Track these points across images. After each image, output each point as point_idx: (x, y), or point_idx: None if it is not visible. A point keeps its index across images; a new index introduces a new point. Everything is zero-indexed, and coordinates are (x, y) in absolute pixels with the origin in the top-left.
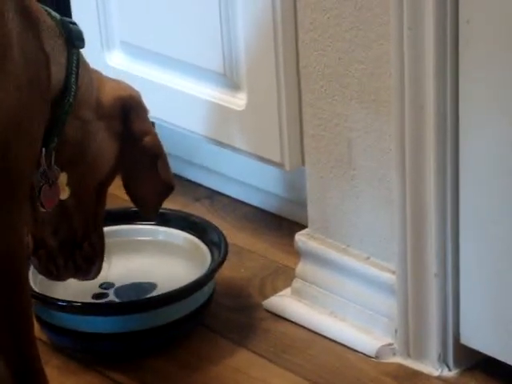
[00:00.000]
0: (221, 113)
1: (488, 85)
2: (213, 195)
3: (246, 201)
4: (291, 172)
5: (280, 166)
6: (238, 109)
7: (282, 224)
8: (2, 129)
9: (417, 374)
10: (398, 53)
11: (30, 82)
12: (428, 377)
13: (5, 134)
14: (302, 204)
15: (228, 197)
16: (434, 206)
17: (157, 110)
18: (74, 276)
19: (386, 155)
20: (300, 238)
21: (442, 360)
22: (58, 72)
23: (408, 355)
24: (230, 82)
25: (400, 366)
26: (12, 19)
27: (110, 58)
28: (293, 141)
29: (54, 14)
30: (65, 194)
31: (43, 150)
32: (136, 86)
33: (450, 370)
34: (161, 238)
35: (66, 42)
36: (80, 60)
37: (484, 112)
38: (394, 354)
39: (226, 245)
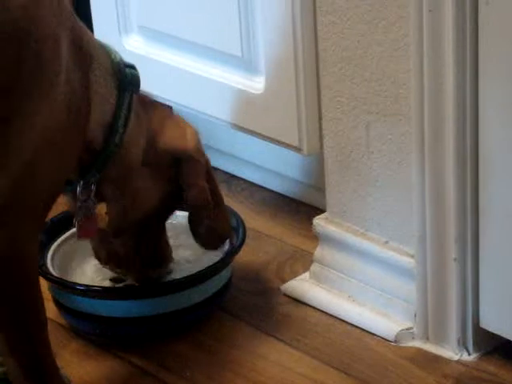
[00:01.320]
0: (239, 96)
1: (508, 66)
2: (231, 180)
3: (264, 185)
4: (309, 156)
5: (298, 150)
6: (256, 92)
7: (300, 208)
8: (34, 149)
9: (436, 358)
10: (418, 35)
11: (69, 111)
12: (447, 361)
13: (35, 155)
14: (320, 188)
15: (246, 181)
16: (454, 190)
17: (174, 94)
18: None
19: (405, 138)
20: (318, 222)
21: (462, 344)
22: (105, 111)
23: (427, 339)
24: (248, 65)
25: (419, 350)
26: (66, 45)
27: (128, 43)
28: (311, 124)
29: (115, 55)
30: (103, 224)
31: (81, 182)
32: (153, 70)
33: (469, 354)
34: (179, 221)
35: (118, 84)
36: (132, 106)
37: (504, 94)
38: (413, 338)
39: (244, 229)
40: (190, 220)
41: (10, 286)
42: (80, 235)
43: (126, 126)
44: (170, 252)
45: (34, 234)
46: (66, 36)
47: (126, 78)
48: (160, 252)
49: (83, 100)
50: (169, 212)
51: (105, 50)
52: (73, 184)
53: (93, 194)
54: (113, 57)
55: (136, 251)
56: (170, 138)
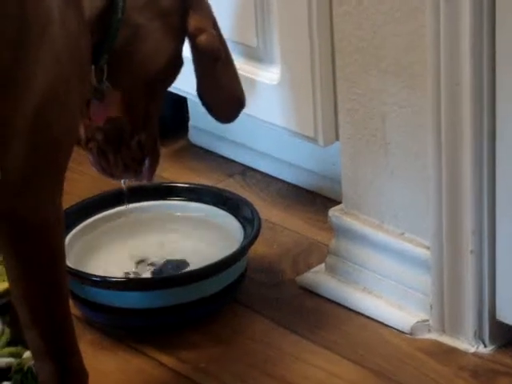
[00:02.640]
0: (254, 87)
1: None
2: (246, 171)
3: (280, 176)
4: (325, 147)
5: (314, 141)
6: (272, 83)
7: (315, 200)
8: (40, 103)
9: (452, 351)
10: (434, 26)
11: (70, 55)
12: (463, 353)
13: (44, 108)
14: (335, 180)
15: (261, 172)
16: (470, 182)
17: (187, 85)
18: (126, 175)
19: (422, 130)
20: (334, 213)
21: (478, 336)
22: None
23: (443, 331)
24: (264, 55)
25: (435, 342)
26: None
27: None
28: (327, 115)
29: None
30: (118, 111)
31: (92, 67)
32: None
33: (485, 346)
34: (193, 213)
35: None
36: None
37: None
38: (429, 331)
39: (259, 220)
40: (200, 87)
41: (36, 254)
42: (93, 119)
43: None
44: (156, 151)
45: (58, 195)
46: None
47: None
48: (143, 143)
49: (82, 38)
50: (173, 75)
51: None
52: None
53: (105, 76)
54: None
55: (123, 145)
56: None
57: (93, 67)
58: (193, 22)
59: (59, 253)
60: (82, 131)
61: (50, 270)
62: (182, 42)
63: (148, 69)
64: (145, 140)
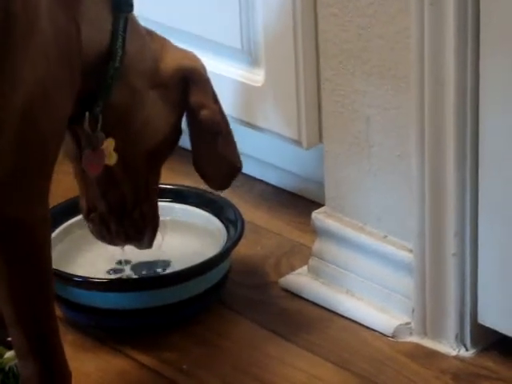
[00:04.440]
0: (238, 89)
1: (510, 60)
2: None
3: (263, 178)
4: (309, 149)
5: (297, 143)
6: (256, 85)
7: (298, 202)
8: (28, 101)
9: (434, 354)
10: (419, 28)
11: (59, 53)
12: (445, 356)
13: (31, 105)
14: (319, 182)
15: (245, 174)
16: (453, 185)
17: None
18: (127, 243)
19: (405, 132)
20: (317, 216)
21: (460, 339)
22: (101, 37)
23: (425, 334)
24: (248, 57)
25: (417, 345)
26: None
27: None
28: (310, 118)
29: None
30: (112, 160)
31: (87, 114)
32: None
33: (467, 349)
34: (177, 215)
35: (112, 8)
36: (130, 25)
37: (505, 88)
38: (411, 333)
39: (243, 222)
40: (196, 158)
41: (22, 251)
42: (87, 169)
43: (123, 47)
44: (156, 220)
45: (44, 194)
46: None
47: (119, 1)
48: (145, 213)
49: (72, 38)
50: (170, 147)
51: None
52: (79, 118)
53: (100, 126)
54: None
55: (124, 213)
56: (175, 58)
57: (87, 114)
58: (194, 98)
59: (45, 252)
60: (83, 202)
61: (36, 269)
62: (182, 115)
63: (148, 140)
64: (146, 210)
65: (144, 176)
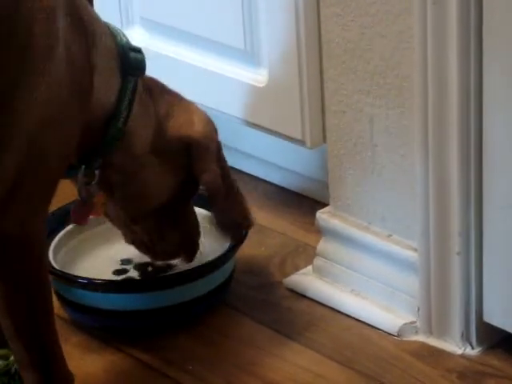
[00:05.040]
0: (241, 89)
1: None
2: (233, 173)
3: (267, 178)
4: (312, 149)
5: (301, 143)
6: (259, 85)
7: (303, 202)
8: (38, 122)
9: (439, 352)
10: (422, 27)
11: (71, 83)
12: (450, 355)
13: (40, 127)
14: (323, 182)
15: (249, 175)
16: (457, 184)
17: (176, 87)
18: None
19: (409, 131)
20: (321, 215)
21: (465, 338)
22: (107, 93)
23: (430, 333)
24: (251, 58)
25: (422, 344)
26: (62, 19)
27: (130, 35)
28: (314, 118)
29: (121, 37)
30: (101, 212)
31: (82, 167)
32: (155, 63)
33: (472, 348)
34: None
35: (121, 67)
36: (137, 91)
37: (509, 87)
38: (416, 332)
39: None
40: (212, 211)
41: (19, 267)
42: (72, 220)
43: (129, 110)
44: (198, 238)
45: (42, 213)
46: (61, 7)
47: (130, 61)
48: (186, 238)
49: (85, 73)
50: (188, 198)
51: (110, 30)
52: (77, 169)
53: (96, 180)
54: (119, 39)
55: (159, 237)
56: (177, 125)
57: (82, 167)
58: (196, 166)
59: (42, 267)
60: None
61: (34, 284)
62: (187, 176)
63: (146, 200)
64: (179, 239)
65: (166, 222)
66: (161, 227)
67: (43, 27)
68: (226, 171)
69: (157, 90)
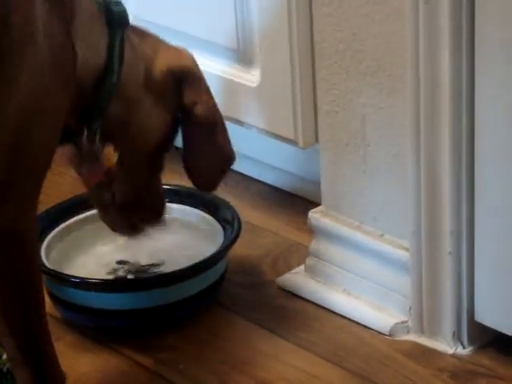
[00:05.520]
0: (234, 89)
1: (504, 61)
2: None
3: (260, 178)
4: (305, 149)
5: (293, 143)
6: (252, 85)
7: (295, 202)
8: (22, 112)
9: (431, 352)
10: (414, 28)
11: (54, 66)
12: (442, 354)
13: (25, 119)
14: (315, 181)
15: (241, 174)
16: (449, 183)
17: None
18: (134, 232)
19: (401, 131)
20: (313, 215)
21: (457, 338)
22: (96, 54)
23: (422, 333)
24: (244, 57)
25: (414, 343)
26: (39, 4)
27: None
28: (306, 117)
29: None
30: (112, 162)
31: (85, 130)
32: None
33: (464, 347)
34: (174, 215)
35: (107, 24)
36: (125, 39)
37: (500, 87)
38: (408, 332)
39: (239, 222)
40: (189, 155)
41: (11, 263)
42: (89, 182)
43: (121, 63)
44: (164, 204)
45: (32, 208)
46: None
47: (114, 16)
48: (156, 200)
49: (66, 52)
50: (169, 144)
51: None
52: (76, 133)
53: (97, 139)
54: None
55: (136, 195)
56: (167, 59)
57: (85, 130)
58: (188, 96)
59: (34, 263)
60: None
61: (25, 280)
62: (177, 114)
63: (146, 142)
64: (151, 200)
65: (145, 173)
66: (134, 188)
67: (20, 15)
68: (214, 102)
69: (139, 33)
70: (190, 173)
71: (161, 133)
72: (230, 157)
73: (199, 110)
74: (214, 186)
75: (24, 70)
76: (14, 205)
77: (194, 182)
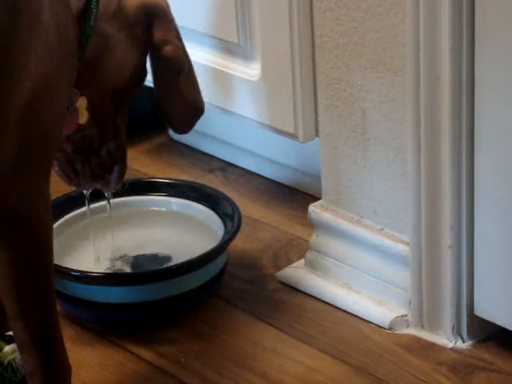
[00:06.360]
0: (234, 83)
1: (505, 54)
2: (226, 167)
3: (260, 172)
4: (305, 143)
5: (294, 137)
6: (252, 79)
7: (295, 196)
8: (32, 96)
9: (430, 346)
10: (414, 21)
11: (59, 45)
12: (442, 348)
13: (35, 101)
14: (315, 175)
15: (241, 168)
16: (449, 177)
17: None
18: (93, 184)
19: (401, 125)
20: (313, 209)
21: (456, 331)
22: (79, 3)
23: (422, 326)
24: (244, 52)
25: (414, 337)
26: None
27: None
28: (307, 111)
29: None
30: (83, 119)
31: None
32: None
33: (463, 341)
34: (174, 208)
35: None
36: None
37: (500, 80)
38: (408, 326)
39: (240, 216)
40: (159, 97)
41: (25, 245)
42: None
43: (98, 4)
44: (124, 159)
45: (46, 187)
46: None
47: None
48: (113, 152)
49: (70, 28)
50: (138, 84)
51: None
52: None
53: (72, 84)
54: None
55: (100, 139)
56: None
57: None
58: (157, 34)
59: (48, 245)
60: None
61: (39, 262)
62: (147, 53)
63: (115, 79)
64: (114, 149)
65: (110, 115)
66: (94, 141)
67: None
68: (185, 50)
69: None
70: (163, 114)
71: (129, 70)
72: (197, 106)
73: (167, 49)
74: (185, 131)
75: (32, 54)
76: (27, 183)
77: (167, 123)
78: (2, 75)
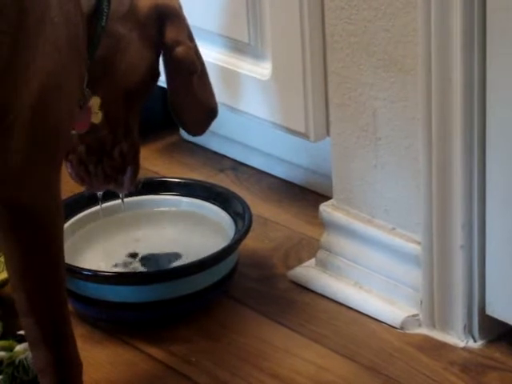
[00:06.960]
0: (245, 82)
1: None
2: (237, 166)
3: (271, 172)
4: (316, 142)
5: (305, 136)
6: (263, 78)
7: (306, 195)
8: (40, 91)
9: (442, 345)
10: (425, 21)
11: (68, 42)
12: (453, 348)
13: (43, 95)
14: (326, 175)
15: (252, 168)
16: (461, 177)
17: None
18: (106, 185)
19: (412, 125)
20: (324, 208)
21: (468, 331)
22: (89, 3)
23: (433, 326)
24: (255, 51)
25: (425, 336)
26: None
27: None
28: (318, 111)
29: None
30: (97, 119)
31: None
32: None
33: (475, 341)
34: (185, 208)
35: None
36: None
37: None
38: (419, 325)
39: (250, 215)
40: (172, 99)
41: (35, 239)
42: (76, 127)
43: (109, 4)
44: (137, 161)
45: (56, 182)
46: None
47: None
48: (125, 153)
49: (79, 24)
50: (150, 86)
51: None
52: None
53: (85, 83)
54: None
55: (111, 140)
56: None
57: None
58: (169, 35)
59: (58, 240)
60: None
61: (49, 257)
62: (159, 54)
63: (127, 79)
64: (127, 150)
65: (123, 115)
66: (106, 142)
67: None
68: (198, 51)
69: None
70: (176, 116)
71: (142, 71)
72: (211, 108)
73: (179, 50)
74: (199, 133)
75: (40, 52)
76: (36, 179)
77: (180, 126)
78: (10, 72)
